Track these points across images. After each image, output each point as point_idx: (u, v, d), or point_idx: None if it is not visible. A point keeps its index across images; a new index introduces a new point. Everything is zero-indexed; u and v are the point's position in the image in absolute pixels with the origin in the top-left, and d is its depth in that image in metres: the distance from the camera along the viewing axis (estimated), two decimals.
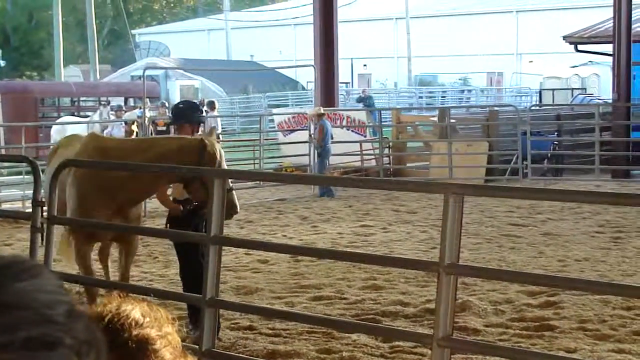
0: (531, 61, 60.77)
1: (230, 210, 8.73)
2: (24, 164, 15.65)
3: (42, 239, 7.88)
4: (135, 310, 2.21)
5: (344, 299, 10.94)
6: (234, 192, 9.02)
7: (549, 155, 24.58)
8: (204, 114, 14.15)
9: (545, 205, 18.36)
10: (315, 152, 22.03)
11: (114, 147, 9.39)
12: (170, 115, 10.47)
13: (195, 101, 11.70)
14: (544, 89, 45.47)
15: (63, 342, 1.05)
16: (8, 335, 1.01)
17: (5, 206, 16.75)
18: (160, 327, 2.22)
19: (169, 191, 9.69)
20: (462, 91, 59.92)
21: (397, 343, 8.79)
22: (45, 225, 7.73)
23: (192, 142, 9.06)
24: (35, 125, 30.89)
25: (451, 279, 5.53)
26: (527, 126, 22.92)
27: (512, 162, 22.94)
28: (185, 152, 8.83)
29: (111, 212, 8.99)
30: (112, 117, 27.80)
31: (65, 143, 10.22)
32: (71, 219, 8.72)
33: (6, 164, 21.76)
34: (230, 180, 8.85)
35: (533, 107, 33.05)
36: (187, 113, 10.10)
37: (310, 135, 22.37)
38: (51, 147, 11.49)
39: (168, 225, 9.46)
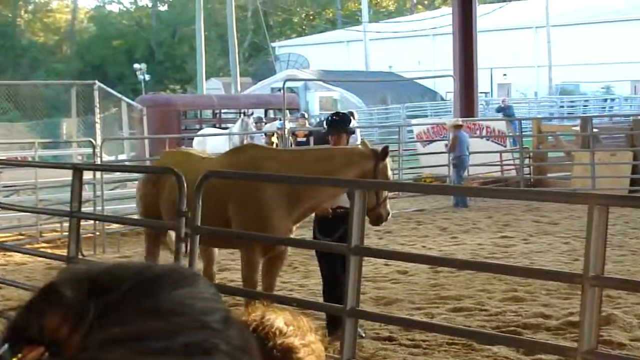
0: None
1: (384, 217, 9.43)
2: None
3: (186, 249, 8.04)
4: (279, 319, 2.24)
5: (484, 310, 10.84)
6: (387, 200, 9.50)
7: None
8: None
9: None
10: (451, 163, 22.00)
11: (289, 159, 9.64)
12: (327, 125, 10.75)
13: (347, 113, 12.05)
14: None
15: (219, 347, 1.08)
16: (167, 340, 1.04)
17: None
18: (303, 336, 2.24)
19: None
20: (605, 100, 58.70)
21: (539, 356, 8.67)
22: (189, 235, 7.89)
23: (369, 151, 9.44)
24: (178, 137, 31.56)
25: (596, 291, 5.43)
26: None
27: None
28: (366, 160, 9.24)
29: (291, 223, 9.26)
30: (254, 128, 28.23)
31: (176, 161, 9.85)
32: (215, 229, 8.85)
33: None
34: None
35: None
36: (345, 123, 10.49)
37: (446, 145, 22.41)
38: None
39: (317, 229, 9.67)
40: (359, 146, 9.92)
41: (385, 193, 9.46)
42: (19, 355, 1.04)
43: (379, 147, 9.48)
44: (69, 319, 1.06)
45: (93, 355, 1.03)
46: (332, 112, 14.94)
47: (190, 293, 1.11)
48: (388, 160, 9.48)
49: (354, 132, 10.98)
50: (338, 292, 9.44)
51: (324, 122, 11.95)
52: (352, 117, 13.27)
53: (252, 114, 32.12)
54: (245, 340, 1.14)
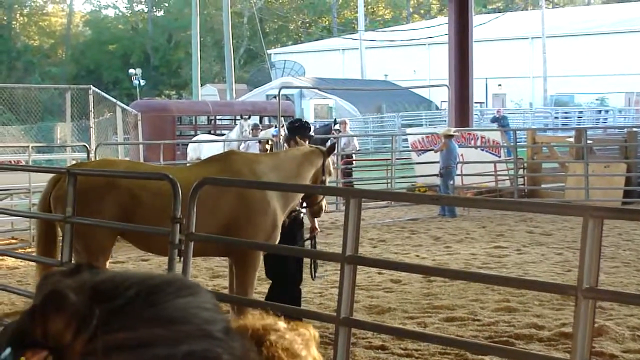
0: None
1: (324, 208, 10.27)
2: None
3: (179, 255, 8.02)
4: (281, 331, 2.18)
5: (477, 320, 10.83)
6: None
7: None
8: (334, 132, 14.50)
9: None
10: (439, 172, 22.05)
11: (270, 161, 9.89)
12: (287, 131, 11.26)
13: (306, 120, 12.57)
14: None
15: (221, 357, 1.08)
16: (171, 348, 1.05)
17: None
18: (308, 348, 2.18)
19: None
20: (600, 111, 58.82)
21: None
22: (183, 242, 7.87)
23: (319, 150, 10.24)
24: (172, 143, 31.54)
25: (589, 303, 5.43)
26: None
27: None
28: (320, 158, 10.00)
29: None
30: (250, 133, 28.23)
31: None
32: (208, 235, 8.82)
33: None
34: None
35: None
36: (305, 129, 11.07)
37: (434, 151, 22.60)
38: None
39: None
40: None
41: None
42: (22, 358, 1.04)
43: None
44: (73, 323, 1.06)
45: None
46: (327, 119, 15.19)
47: (194, 302, 1.11)
48: (331, 157, 10.32)
49: (310, 138, 11.39)
50: (291, 292, 9.79)
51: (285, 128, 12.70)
52: (338, 125, 13.66)
53: (249, 117, 32.11)
54: (246, 352, 1.15)
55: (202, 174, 8.83)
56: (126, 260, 15.51)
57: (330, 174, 10.24)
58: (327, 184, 10.33)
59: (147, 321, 1.06)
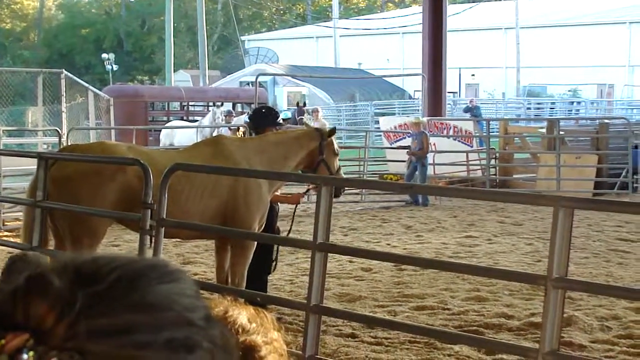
0: None
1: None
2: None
3: (150, 241, 7.99)
4: (242, 315, 2.18)
5: (447, 309, 10.86)
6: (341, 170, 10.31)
7: None
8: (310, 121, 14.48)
9: None
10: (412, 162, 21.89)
11: (254, 145, 9.75)
12: (249, 119, 11.00)
13: (273, 107, 12.27)
14: None
15: (201, 345, 1.08)
16: (152, 334, 1.05)
17: None
18: (266, 333, 2.18)
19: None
20: (572, 103, 59.09)
21: (500, 356, 8.69)
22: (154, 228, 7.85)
23: (313, 131, 10.19)
24: (145, 128, 31.41)
25: (559, 293, 5.45)
26: (638, 139, 22.45)
27: (621, 176, 22.51)
28: (313, 140, 9.85)
29: None
30: (223, 121, 28.17)
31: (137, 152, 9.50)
32: (180, 221, 8.80)
33: None
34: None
35: None
36: (270, 118, 10.72)
37: (409, 147, 22.21)
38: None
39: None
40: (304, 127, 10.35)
41: (337, 164, 10.09)
42: (2, 341, 1.04)
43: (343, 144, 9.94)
44: (56, 307, 1.06)
45: (78, 345, 1.03)
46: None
47: (176, 289, 1.11)
48: (333, 138, 10.07)
49: (280, 127, 11.15)
50: (259, 280, 9.81)
51: (247, 115, 12.30)
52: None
53: (222, 104, 32.06)
54: (226, 340, 1.15)
55: (194, 158, 8.97)
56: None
57: (336, 154, 10.04)
58: (337, 165, 10.10)
59: (128, 307, 1.06)
